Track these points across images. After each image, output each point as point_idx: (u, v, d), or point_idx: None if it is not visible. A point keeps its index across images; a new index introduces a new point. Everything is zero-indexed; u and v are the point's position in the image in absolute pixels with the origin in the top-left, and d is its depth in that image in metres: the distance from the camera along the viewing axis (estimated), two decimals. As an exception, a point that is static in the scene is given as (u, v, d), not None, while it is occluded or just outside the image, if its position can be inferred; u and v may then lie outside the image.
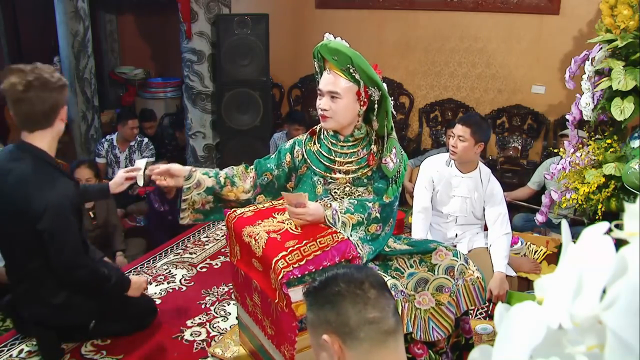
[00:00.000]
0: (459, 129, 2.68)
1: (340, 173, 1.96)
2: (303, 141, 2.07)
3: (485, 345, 0.54)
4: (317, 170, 1.99)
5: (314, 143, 2.02)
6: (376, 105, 1.89)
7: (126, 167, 4.45)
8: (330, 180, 1.97)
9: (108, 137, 4.51)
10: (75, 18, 4.43)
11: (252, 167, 2.10)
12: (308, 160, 2.01)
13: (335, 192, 1.99)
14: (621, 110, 2.47)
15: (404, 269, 1.92)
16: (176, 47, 4.57)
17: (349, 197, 1.97)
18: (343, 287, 1.03)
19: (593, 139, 2.71)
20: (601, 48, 2.62)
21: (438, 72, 4.82)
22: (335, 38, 1.90)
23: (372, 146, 1.97)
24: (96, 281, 2.15)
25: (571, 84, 2.83)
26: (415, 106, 4.95)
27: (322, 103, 1.90)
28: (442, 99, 4.85)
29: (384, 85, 1.88)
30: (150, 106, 5.33)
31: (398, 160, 1.93)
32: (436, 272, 1.91)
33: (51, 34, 4.73)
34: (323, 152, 1.98)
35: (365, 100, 1.89)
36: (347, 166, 1.96)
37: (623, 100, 2.48)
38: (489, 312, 2.61)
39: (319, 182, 1.99)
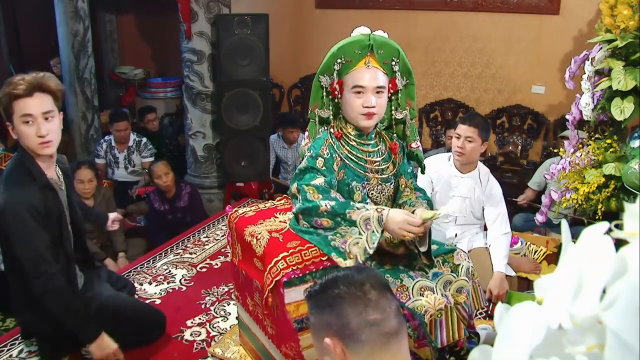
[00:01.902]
0: (466, 130, 2.64)
1: (371, 173, 1.88)
2: (334, 146, 1.87)
3: (486, 345, 0.54)
4: (361, 172, 1.86)
5: (343, 146, 1.88)
6: (398, 95, 1.90)
7: (125, 167, 4.47)
8: (367, 183, 1.88)
9: (107, 137, 4.51)
10: (75, 18, 4.43)
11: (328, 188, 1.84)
12: (350, 166, 1.86)
13: (371, 194, 1.89)
14: (621, 110, 2.46)
15: (427, 270, 1.85)
16: (176, 47, 4.57)
17: (387, 200, 1.92)
18: (343, 289, 1.02)
19: (593, 139, 2.71)
20: (601, 48, 2.62)
21: (438, 72, 4.81)
22: (378, 32, 1.85)
23: (394, 135, 1.97)
24: (55, 299, 1.89)
25: (571, 84, 2.83)
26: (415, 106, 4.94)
27: (370, 100, 1.78)
28: (442, 99, 4.84)
29: None
30: (150, 106, 5.33)
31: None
32: (459, 274, 1.85)
33: (51, 34, 4.74)
34: (357, 154, 1.87)
35: (392, 91, 1.87)
36: (376, 165, 1.89)
37: (623, 100, 2.48)
38: (489, 312, 2.60)
39: (357, 189, 1.86)
